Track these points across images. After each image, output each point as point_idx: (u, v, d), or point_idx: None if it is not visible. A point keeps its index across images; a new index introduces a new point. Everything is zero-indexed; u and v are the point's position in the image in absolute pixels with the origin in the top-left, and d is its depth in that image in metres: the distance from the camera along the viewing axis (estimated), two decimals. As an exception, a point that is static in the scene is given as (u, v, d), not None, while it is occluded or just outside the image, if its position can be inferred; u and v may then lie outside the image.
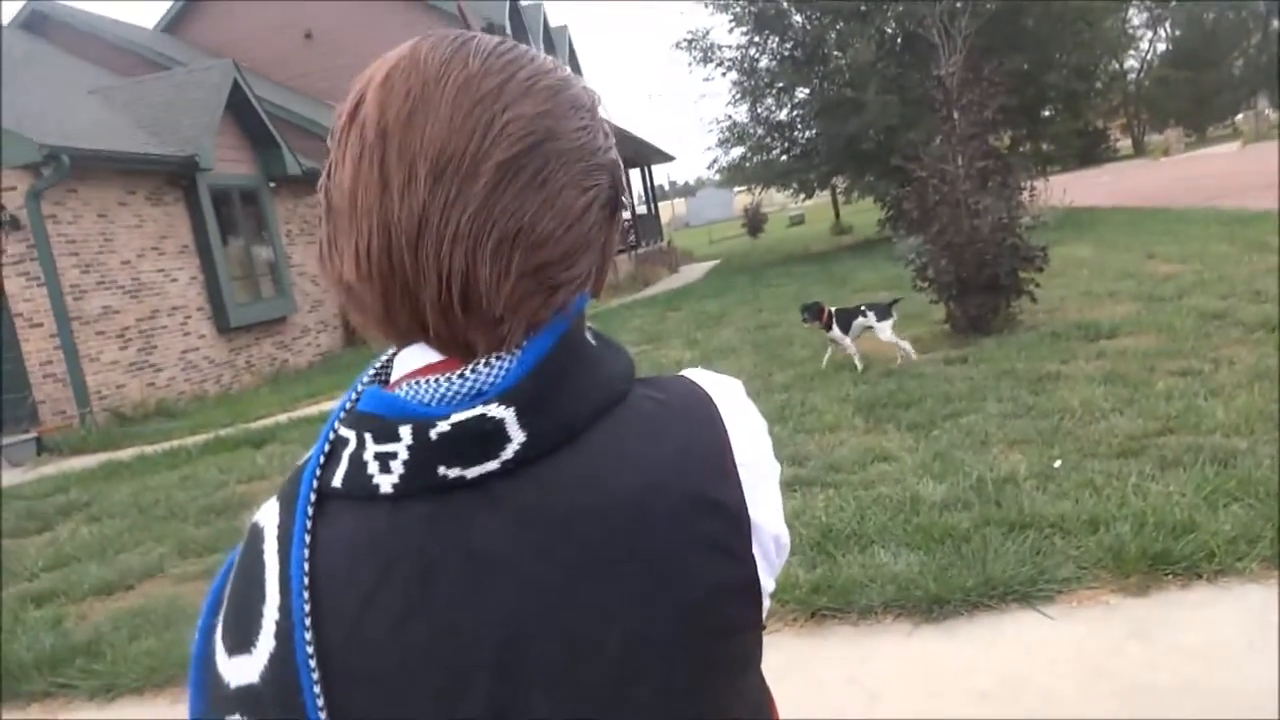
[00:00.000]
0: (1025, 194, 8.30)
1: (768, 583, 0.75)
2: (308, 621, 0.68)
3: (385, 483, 0.68)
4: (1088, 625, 3.11)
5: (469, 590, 0.68)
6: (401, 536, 0.69)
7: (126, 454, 8.75)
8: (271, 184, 14.37)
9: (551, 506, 0.69)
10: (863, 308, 7.31)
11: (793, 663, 3.10)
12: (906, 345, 7.19)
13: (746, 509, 0.72)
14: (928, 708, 2.80)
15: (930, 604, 3.31)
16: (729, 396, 0.77)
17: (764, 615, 0.76)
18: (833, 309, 7.36)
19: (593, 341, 0.74)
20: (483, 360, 0.69)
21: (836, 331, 7.25)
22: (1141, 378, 5.63)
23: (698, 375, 0.79)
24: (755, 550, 0.73)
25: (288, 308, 14.29)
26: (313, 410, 9.52)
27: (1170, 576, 3.30)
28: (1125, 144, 52.36)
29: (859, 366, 7.11)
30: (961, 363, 6.80)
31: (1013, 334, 7.48)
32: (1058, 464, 4.40)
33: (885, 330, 7.14)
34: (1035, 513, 3.84)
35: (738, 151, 23.37)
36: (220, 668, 0.71)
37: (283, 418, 9.39)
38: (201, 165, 12.30)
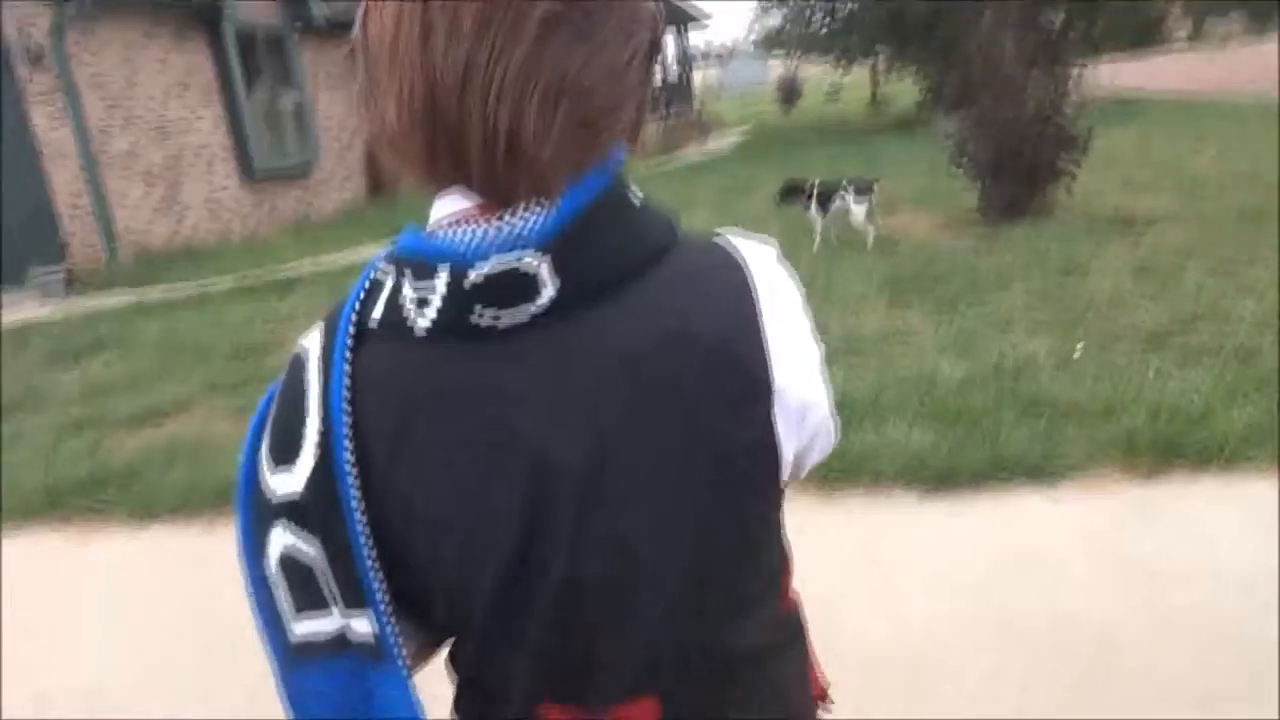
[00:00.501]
0: (1073, 78, 8.02)
1: (789, 447, 0.76)
2: (348, 436, 0.71)
3: (420, 323, 0.70)
4: (1094, 506, 3.18)
5: (496, 428, 0.71)
6: (434, 374, 0.71)
7: (154, 294, 8.86)
8: (297, 31, 14.01)
9: (580, 357, 0.71)
10: (844, 183, 7.19)
11: (804, 524, 3.19)
12: (872, 231, 7.08)
13: (769, 372, 0.73)
14: (932, 572, 2.90)
15: (940, 477, 3.39)
16: (761, 260, 0.78)
17: (783, 477, 0.78)
18: (816, 182, 7.24)
19: (635, 200, 0.75)
20: (522, 207, 0.70)
21: (813, 208, 7.15)
22: (1173, 271, 5.57)
23: (732, 238, 0.79)
24: (777, 414, 0.74)
25: (312, 157, 14.17)
26: (336, 261, 9.56)
27: (1179, 466, 3.36)
28: (1183, 30, 49.97)
29: (869, 244, 7.06)
30: (991, 247, 6.73)
31: (1046, 221, 7.36)
32: (1078, 351, 4.41)
33: (860, 212, 7.05)
34: (1051, 396, 3.88)
35: (777, 17, 22.54)
36: (265, 482, 0.75)
37: (306, 268, 9.44)
38: (225, 7, 11.98)
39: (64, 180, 10.45)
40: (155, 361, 6.25)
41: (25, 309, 9.27)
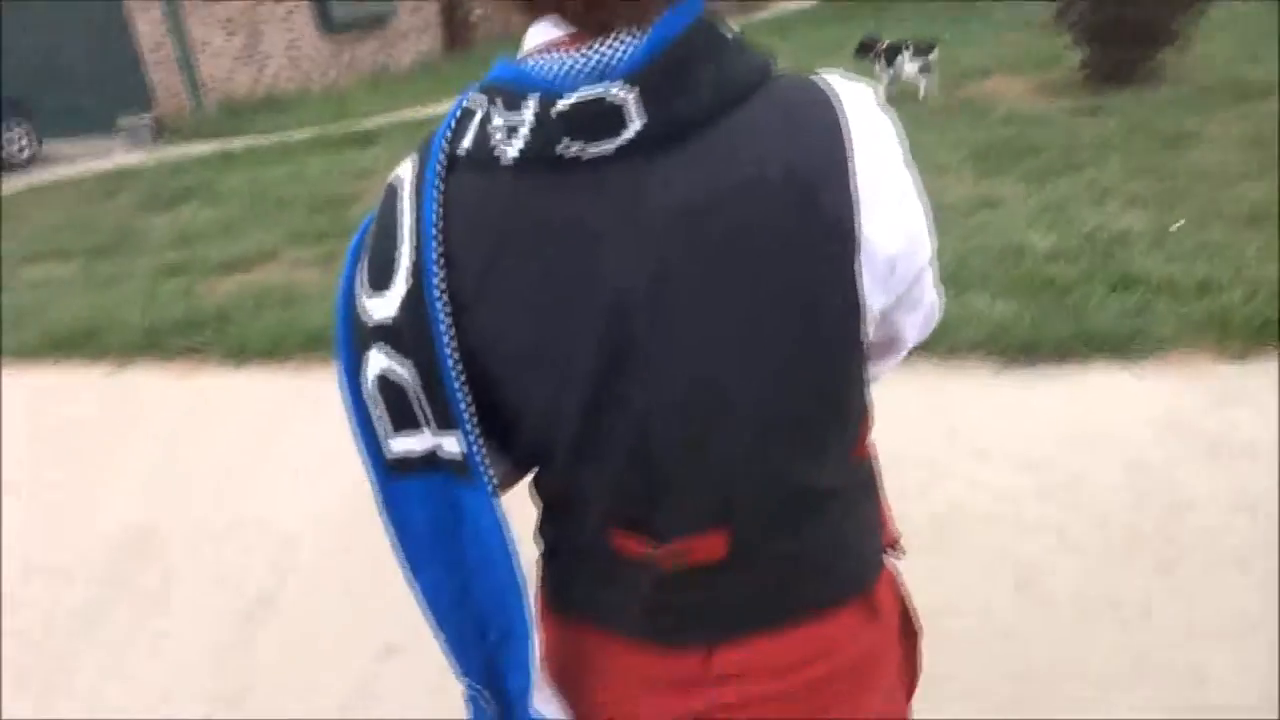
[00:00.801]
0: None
1: (875, 301, 0.76)
2: (438, 263, 0.73)
3: (508, 152, 0.71)
4: (1180, 385, 3.12)
5: (577, 260, 0.72)
6: (521, 205, 0.72)
7: (238, 144, 8.99)
8: None
9: (661, 193, 0.70)
10: (906, 42, 7.17)
11: (876, 389, 3.20)
12: (923, 84, 7.13)
13: (855, 219, 0.72)
14: (1003, 445, 2.90)
15: (1020, 349, 3.34)
16: (858, 101, 0.75)
17: (866, 330, 0.77)
18: (885, 42, 7.26)
19: (727, 34, 0.73)
20: (611, 37, 0.69)
21: (880, 65, 7.18)
22: (1286, 145, 5.24)
23: (830, 78, 0.76)
24: (862, 265, 0.73)
25: (389, 8, 13.93)
26: (414, 114, 9.52)
27: (1272, 348, 3.25)
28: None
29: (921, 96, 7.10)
30: (1092, 114, 6.39)
31: (1154, 87, 6.93)
32: (1176, 225, 4.23)
33: (913, 69, 7.09)
34: (1145, 272, 3.75)
35: None
36: (362, 306, 0.77)
37: (385, 120, 9.43)
38: None
39: (147, 27, 10.49)
40: (241, 210, 6.40)
41: (115, 156, 9.50)
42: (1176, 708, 1.93)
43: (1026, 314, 3.51)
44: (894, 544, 0.98)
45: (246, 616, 2.53)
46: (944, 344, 3.44)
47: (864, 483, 0.90)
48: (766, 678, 0.85)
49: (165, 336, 4.31)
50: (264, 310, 4.45)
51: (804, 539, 0.83)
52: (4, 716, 2.27)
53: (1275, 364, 3.16)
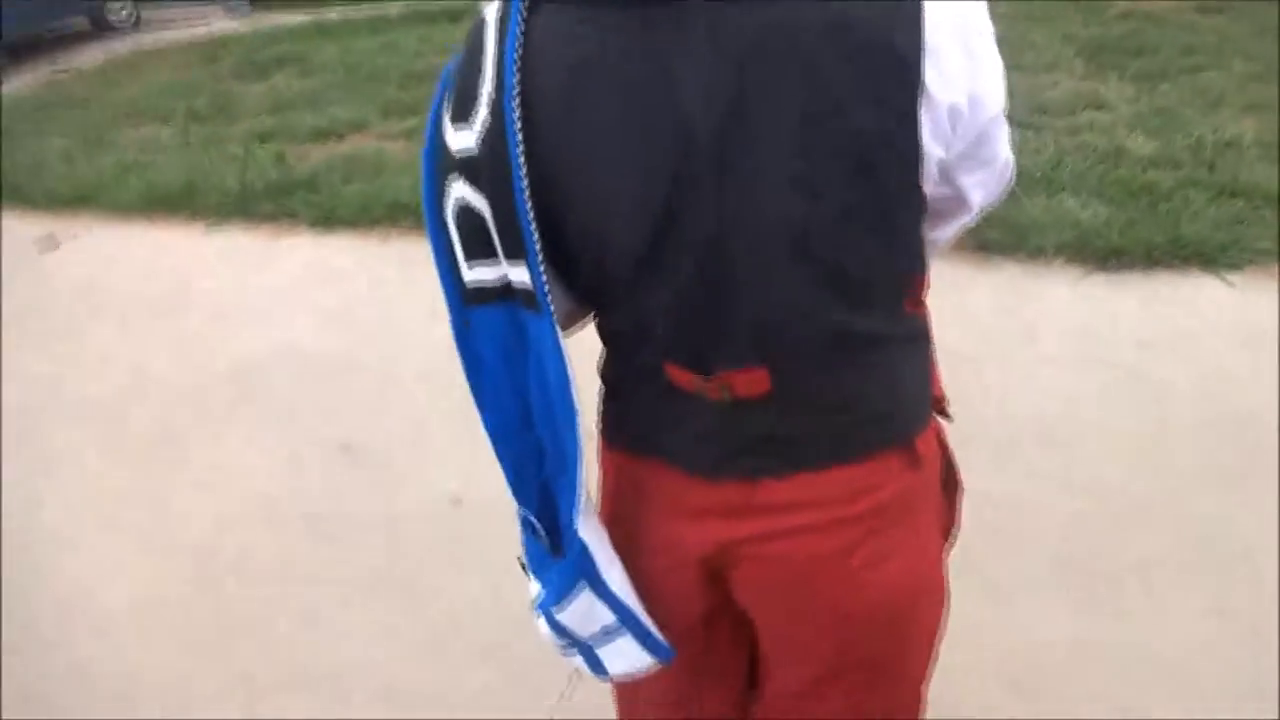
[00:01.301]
0: None
1: (935, 149, 0.76)
2: (517, 97, 0.75)
3: None
4: (1272, 298, 3.01)
5: (652, 92, 0.74)
6: (601, 38, 0.74)
7: (332, 15, 9.01)
8: None
9: (735, 34, 0.72)
10: None
11: (950, 286, 3.16)
12: None
13: (921, 64, 0.72)
14: (1081, 348, 2.86)
15: (1108, 255, 3.25)
16: None
17: (925, 179, 0.78)
18: None
19: None
20: None
21: None
22: None
23: None
24: (924, 113, 0.74)
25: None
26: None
27: (1378, 266, 3.10)
28: None
29: None
30: (1217, 13, 5.99)
31: (1288, -12, 6.45)
32: (1294, 136, 4.00)
33: None
34: (1251, 182, 3.57)
35: None
36: (446, 138, 0.81)
37: (477, -4, 9.32)
38: None
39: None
40: (333, 81, 6.46)
41: (214, 22, 9.62)
42: (1233, 604, 1.95)
43: (1119, 219, 3.40)
44: (941, 404, 1.00)
45: (342, 449, 2.68)
46: (1029, 245, 3.36)
47: (913, 336, 0.92)
48: (807, 510, 0.89)
49: (257, 200, 4.44)
50: (353, 179, 4.54)
51: (847, 383, 0.86)
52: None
53: (1380, 283, 3.02)
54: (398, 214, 4.11)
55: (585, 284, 0.87)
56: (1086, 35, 5.75)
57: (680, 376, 0.87)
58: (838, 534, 0.90)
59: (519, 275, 0.82)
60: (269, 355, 3.21)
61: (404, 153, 4.82)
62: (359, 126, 5.42)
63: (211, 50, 8.16)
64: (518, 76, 0.76)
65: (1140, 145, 4.00)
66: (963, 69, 0.76)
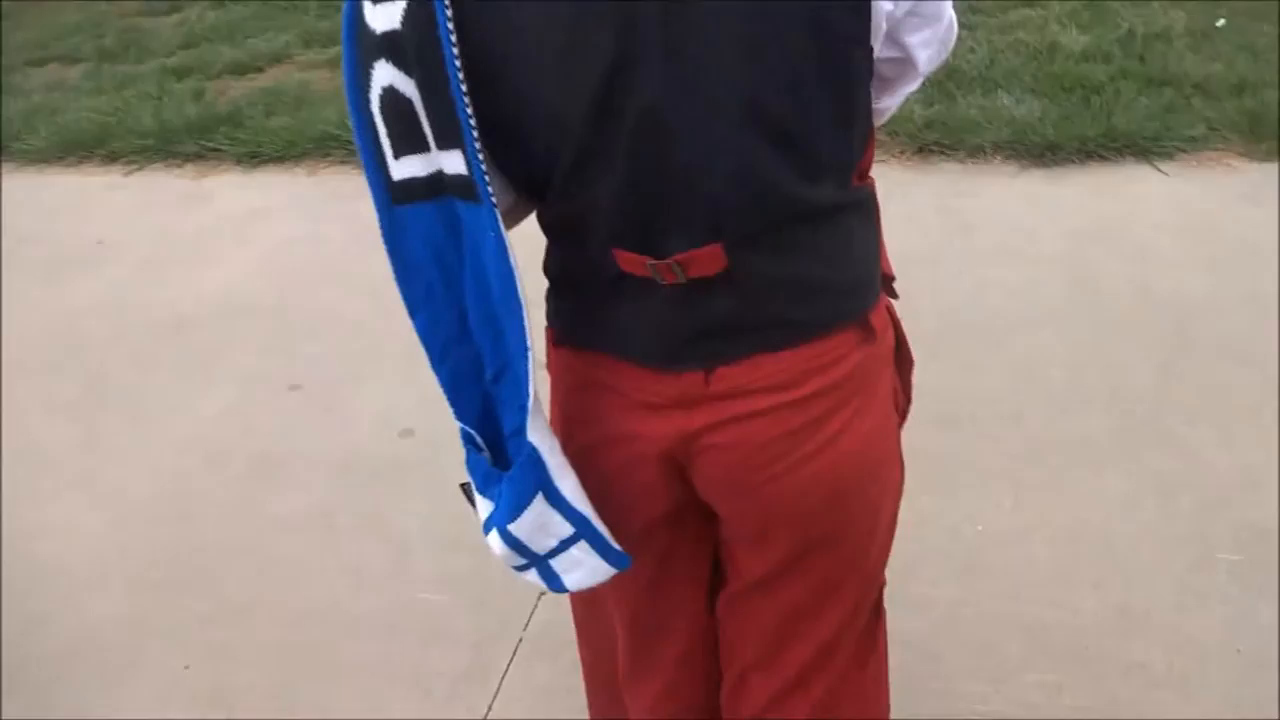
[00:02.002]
0: None
1: (881, 6, 0.76)
2: None
3: None
4: (1203, 185, 3.07)
5: None
6: None
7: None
8: None
9: None
10: None
11: (893, 191, 3.15)
12: None
13: None
14: (1019, 240, 2.89)
15: (1044, 149, 3.28)
16: None
17: (874, 41, 0.77)
18: None
19: None
20: None
21: None
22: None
23: None
24: None
25: None
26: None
27: (1305, 150, 3.17)
28: None
29: None
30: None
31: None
32: (1220, 23, 4.04)
33: None
34: (1180, 71, 3.62)
35: None
36: (366, 16, 0.76)
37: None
38: None
39: None
40: (248, 11, 6.18)
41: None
42: (1165, 479, 2.02)
43: (1053, 113, 3.42)
44: (889, 282, 1.00)
45: (291, 389, 2.64)
46: (968, 145, 3.38)
47: (863, 207, 0.91)
48: (764, 394, 0.88)
49: (178, 140, 4.27)
50: (276, 112, 4.38)
51: (800, 256, 0.85)
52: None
53: (1305, 166, 3.09)
54: (326, 146, 3.99)
55: (525, 172, 0.84)
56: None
57: (631, 262, 0.84)
58: (795, 414, 0.89)
59: (453, 164, 0.78)
60: (205, 299, 3.12)
61: (328, 83, 4.66)
62: (279, 58, 5.21)
63: (115, -16, 7.75)
64: None
65: (1072, 40, 4.02)
66: None
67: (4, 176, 4.29)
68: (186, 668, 1.88)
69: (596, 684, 1.29)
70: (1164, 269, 2.69)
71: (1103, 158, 3.22)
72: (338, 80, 4.57)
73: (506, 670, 1.79)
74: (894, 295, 1.00)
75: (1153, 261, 2.72)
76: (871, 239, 0.93)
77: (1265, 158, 3.12)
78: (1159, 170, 3.14)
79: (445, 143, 0.78)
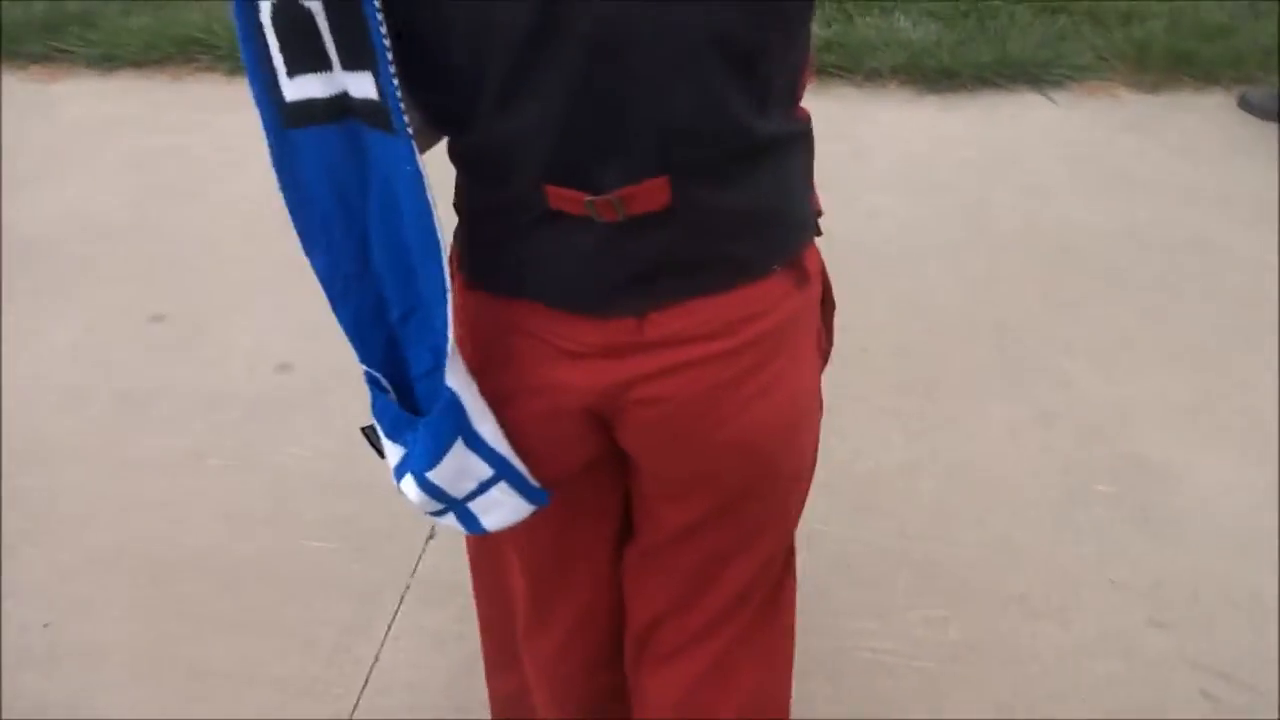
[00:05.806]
0: None
1: None
2: None
3: None
4: (1091, 114, 3.12)
5: None
6: None
7: None
8: None
9: None
10: None
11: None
12: None
13: None
14: (909, 167, 2.89)
15: (940, 75, 3.27)
16: None
17: None
18: None
19: None
20: None
21: None
22: None
23: None
24: None
25: None
26: None
27: (1187, 82, 3.25)
28: None
29: None
30: None
31: None
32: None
33: None
34: (1073, -2, 3.65)
35: None
36: None
37: None
38: None
39: None
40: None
41: None
42: (1047, 411, 2.07)
43: (949, 38, 3.41)
44: (818, 217, 0.95)
45: (153, 320, 2.46)
46: (864, 68, 3.34)
47: (804, 138, 0.86)
48: (698, 343, 0.83)
49: (22, 39, 3.88)
50: (134, 11, 4.02)
51: (746, 189, 0.80)
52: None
53: (1186, 97, 3.17)
54: (190, 50, 3.69)
55: (441, 99, 0.75)
56: None
57: (564, 199, 0.76)
58: (728, 365, 0.84)
59: (361, 88, 0.69)
60: (54, 219, 2.87)
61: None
62: (135, -52, 4.77)
63: None
64: None
65: (969, -40, 3.99)
66: None
67: None
68: (46, 625, 1.76)
69: (493, 642, 1.25)
70: (1051, 199, 2.73)
71: (996, 85, 3.23)
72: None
73: (394, 618, 1.73)
74: (818, 231, 0.95)
75: (1040, 192, 2.76)
76: (809, 172, 0.89)
77: (1150, 89, 3.18)
78: (1049, 99, 3.17)
79: (353, 64, 0.68)
